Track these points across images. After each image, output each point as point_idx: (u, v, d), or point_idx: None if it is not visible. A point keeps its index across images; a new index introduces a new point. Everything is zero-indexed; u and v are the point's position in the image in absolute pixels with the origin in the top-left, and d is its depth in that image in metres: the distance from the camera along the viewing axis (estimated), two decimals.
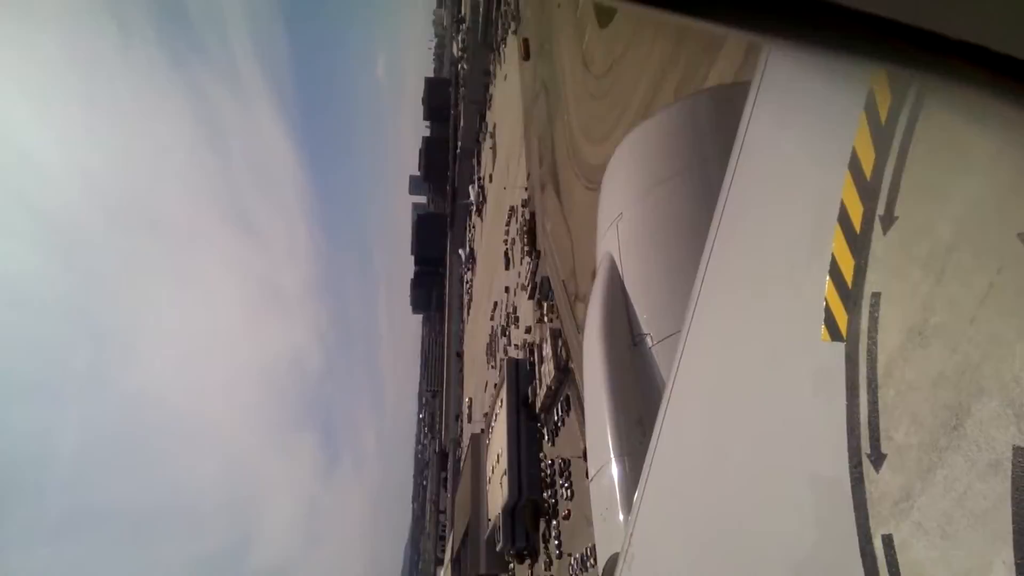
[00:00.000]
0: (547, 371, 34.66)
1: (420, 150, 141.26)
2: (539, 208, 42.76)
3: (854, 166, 1.98)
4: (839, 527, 1.90)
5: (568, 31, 40.93)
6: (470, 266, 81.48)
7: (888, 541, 1.73)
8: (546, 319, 36.93)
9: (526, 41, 50.16)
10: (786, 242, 2.47)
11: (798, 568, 2.20)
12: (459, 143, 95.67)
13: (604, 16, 33.83)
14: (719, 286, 2.97)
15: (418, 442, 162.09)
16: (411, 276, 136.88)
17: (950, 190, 1.69)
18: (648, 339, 5.16)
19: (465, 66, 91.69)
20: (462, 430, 74.97)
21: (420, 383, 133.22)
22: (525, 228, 41.84)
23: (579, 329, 25.70)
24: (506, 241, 52.00)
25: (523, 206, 43.92)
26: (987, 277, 1.50)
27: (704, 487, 3.04)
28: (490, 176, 67.75)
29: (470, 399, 69.55)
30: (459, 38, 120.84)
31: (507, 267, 50.51)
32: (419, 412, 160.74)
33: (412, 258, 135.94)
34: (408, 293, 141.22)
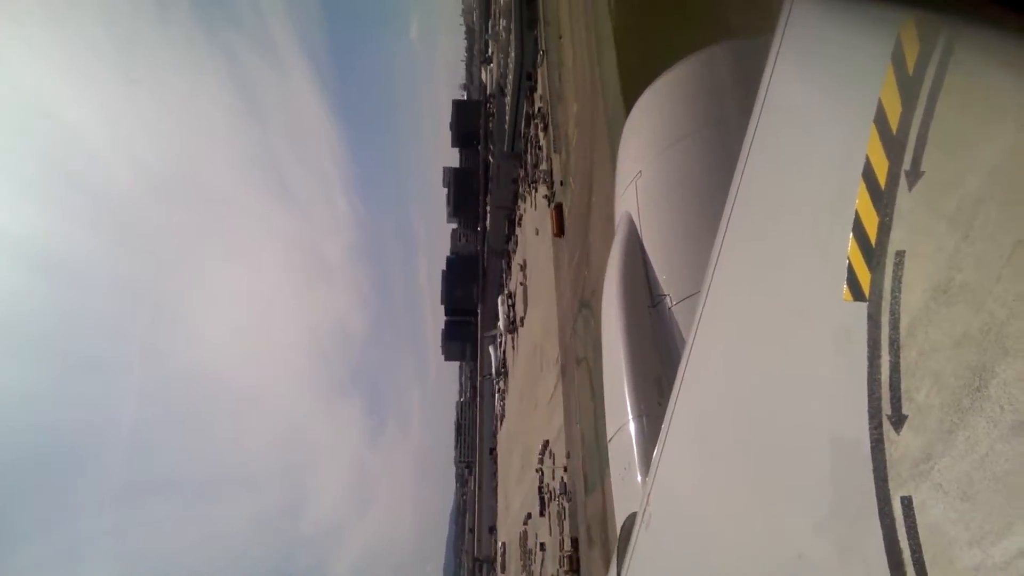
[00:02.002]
0: None
1: (448, 182, 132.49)
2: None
3: (880, 119, 1.92)
4: (858, 488, 1.88)
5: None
6: (501, 380, 73.15)
7: (907, 503, 1.71)
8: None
9: (559, 210, 40.10)
10: (808, 199, 2.41)
11: (816, 529, 2.16)
12: (487, 244, 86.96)
13: None
14: (739, 245, 2.89)
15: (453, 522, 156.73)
16: (441, 327, 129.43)
17: (979, 143, 1.63)
18: (667, 300, 5.09)
19: (492, 127, 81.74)
20: (496, 550, 68.36)
21: (455, 449, 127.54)
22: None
23: None
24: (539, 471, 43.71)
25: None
26: (1015, 234, 1.47)
27: (722, 447, 3.01)
28: (521, 319, 58.86)
29: (503, 544, 62.58)
30: (487, 67, 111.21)
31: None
32: (455, 484, 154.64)
33: (442, 303, 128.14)
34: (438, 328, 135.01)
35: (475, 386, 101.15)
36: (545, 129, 45.59)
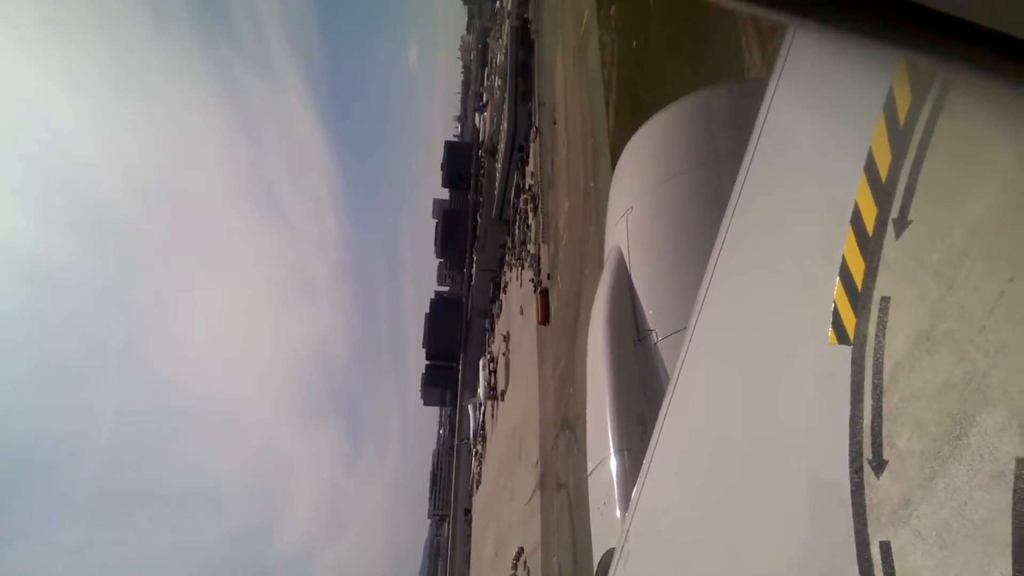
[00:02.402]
0: None
1: (436, 223, 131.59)
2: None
3: (870, 167, 1.95)
4: (837, 532, 1.88)
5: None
6: (479, 446, 71.15)
7: (886, 548, 1.72)
8: None
9: (544, 297, 38.80)
10: (797, 242, 2.44)
11: (793, 569, 2.17)
12: (470, 303, 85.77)
13: None
14: (727, 284, 2.92)
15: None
16: (422, 371, 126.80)
17: (966, 195, 1.66)
18: (653, 335, 5.08)
19: (482, 197, 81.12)
20: None
21: (429, 500, 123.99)
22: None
23: None
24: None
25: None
26: (998, 286, 1.49)
27: (703, 485, 3.01)
28: (502, 392, 57.20)
29: None
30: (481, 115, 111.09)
31: None
32: (428, 534, 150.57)
33: (424, 344, 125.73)
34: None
35: (452, 447, 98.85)
36: (535, 211, 44.60)
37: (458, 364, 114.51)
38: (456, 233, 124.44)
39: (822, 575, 2.02)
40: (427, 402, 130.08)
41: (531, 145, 50.08)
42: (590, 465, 5.33)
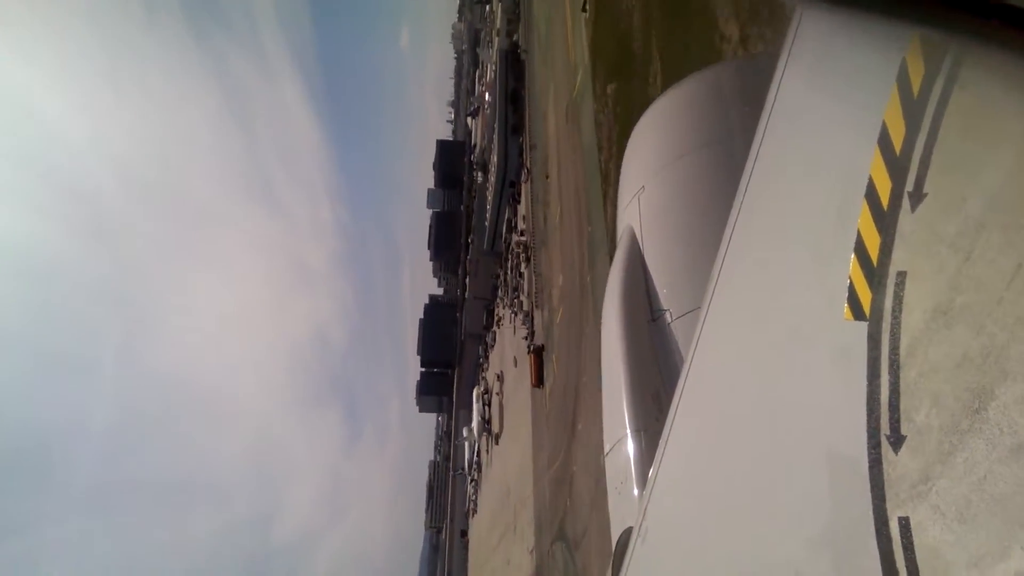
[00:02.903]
0: None
1: (429, 226, 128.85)
2: None
3: (883, 140, 1.92)
4: (855, 508, 1.87)
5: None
6: (475, 474, 69.63)
7: (904, 524, 1.71)
8: None
9: (538, 356, 36.65)
10: (811, 218, 2.39)
11: (813, 547, 2.15)
12: (464, 327, 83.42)
13: None
14: (741, 262, 2.89)
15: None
16: (416, 378, 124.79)
17: (982, 167, 1.64)
18: (667, 315, 5.03)
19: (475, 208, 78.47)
20: None
21: (425, 512, 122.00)
22: None
23: None
24: None
25: None
26: (1016, 257, 1.47)
27: (720, 463, 2.99)
28: (497, 436, 55.39)
29: None
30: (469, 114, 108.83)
31: None
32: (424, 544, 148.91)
33: (418, 346, 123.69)
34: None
35: (449, 469, 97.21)
36: (527, 261, 42.32)
37: (453, 372, 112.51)
38: (449, 235, 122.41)
39: (841, 552, 2.00)
40: (423, 409, 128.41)
41: (523, 185, 47.52)
42: (607, 446, 5.27)
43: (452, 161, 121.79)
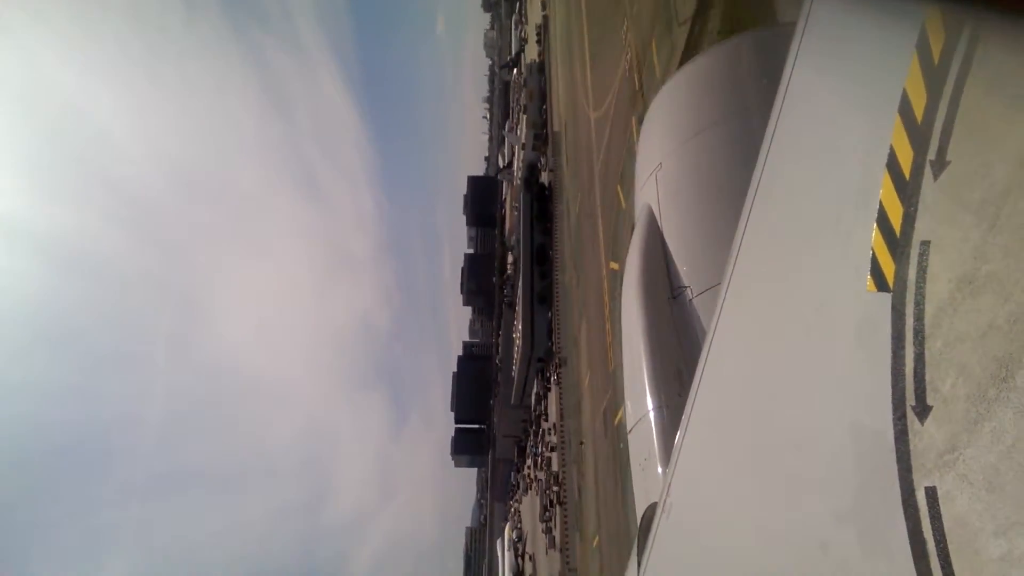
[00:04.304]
0: None
1: (461, 269, 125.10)
2: None
3: (904, 109, 1.90)
4: (882, 479, 1.87)
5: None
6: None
7: (932, 494, 1.71)
8: None
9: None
10: (831, 190, 2.38)
11: (839, 519, 2.16)
12: (494, 453, 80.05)
13: None
14: (761, 236, 2.88)
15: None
16: (451, 435, 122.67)
17: (1005, 133, 1.62)
18: (688, 292, 5.02)
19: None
20: None
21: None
22: None
23: None
24: None
25: None
26: None
27: (744, 438, 3.00)
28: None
29: None
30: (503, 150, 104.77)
31: None
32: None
33: (451, 406, 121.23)
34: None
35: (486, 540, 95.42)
36: (555, 449, 38.33)
37: (489, 429, 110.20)
38: (481, 279, 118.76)
39: (868, 523, 2.00)
40: (459, 465, 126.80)
41: (553, 370, 43.36)
42: (629, 423, 5.27)
43: (484, 198, 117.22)
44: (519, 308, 49.21)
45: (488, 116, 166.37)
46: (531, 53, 68.65)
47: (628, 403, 5.44)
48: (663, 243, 5.40)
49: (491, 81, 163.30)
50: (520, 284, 47.22)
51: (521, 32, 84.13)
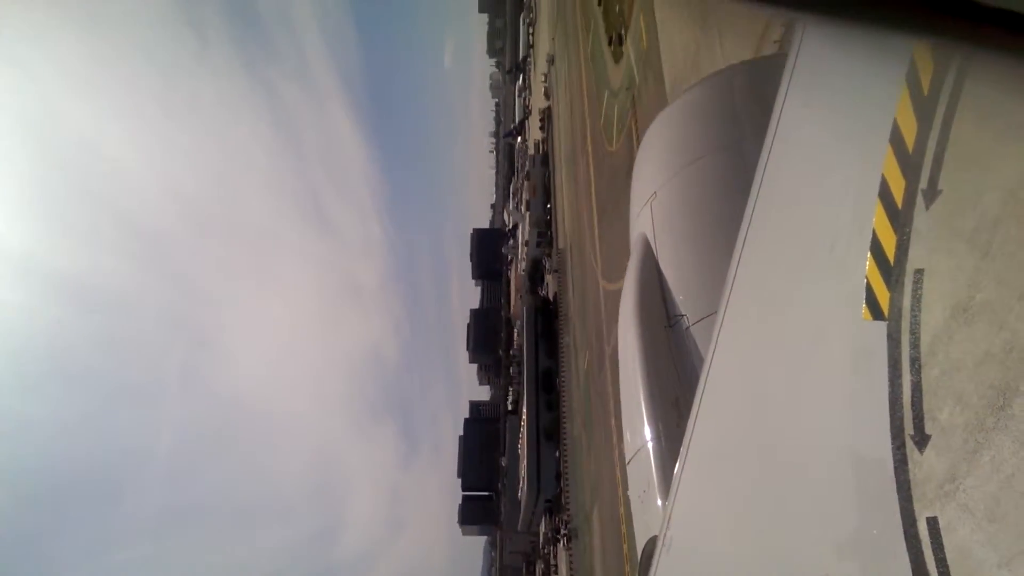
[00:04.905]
0: None
1: (468, 324, 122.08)
2: None
3: (896, 139, 1.92)
4: (882, 510, 1.86)
5: None
6: None
7: (933, 524, 1.70)
8: None
9: None
10: (825, 219, 2.40)
11: (840, 550, 2.14)
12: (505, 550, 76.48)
13: None
14: (756, 265, 2.89)
15: None
16: (458, 502, 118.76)
17: (997, 160, 1.63)
18: (684, 320, 5.00)
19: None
20: None
21: None
22: None
23: None
24: None
25: None
26: None
27: (743, 469, 2.97)
28: None
29: None
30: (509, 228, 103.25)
31: None
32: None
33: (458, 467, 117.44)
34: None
35: None
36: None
37: (497, 497, 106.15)
38: (488, 336, 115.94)
39: (870, 555, 1.98)
40: (467, 533, 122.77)
41: (563, 536, 39.89)
42: (628, 454, 5.18)
43: (489, 251, 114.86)
44: (523, 446, 45.71)
45: (494, 151, 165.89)
46: (534, 129, 66.22)
47: (626, 433, 5.34)
48: (659, 272, 5.37)
49: (496, 121, 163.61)
50: (525, 415, 43.98)
51: (525, 99, 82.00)
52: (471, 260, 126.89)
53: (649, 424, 4.81)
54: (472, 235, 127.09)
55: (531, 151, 64.79)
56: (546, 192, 52.68)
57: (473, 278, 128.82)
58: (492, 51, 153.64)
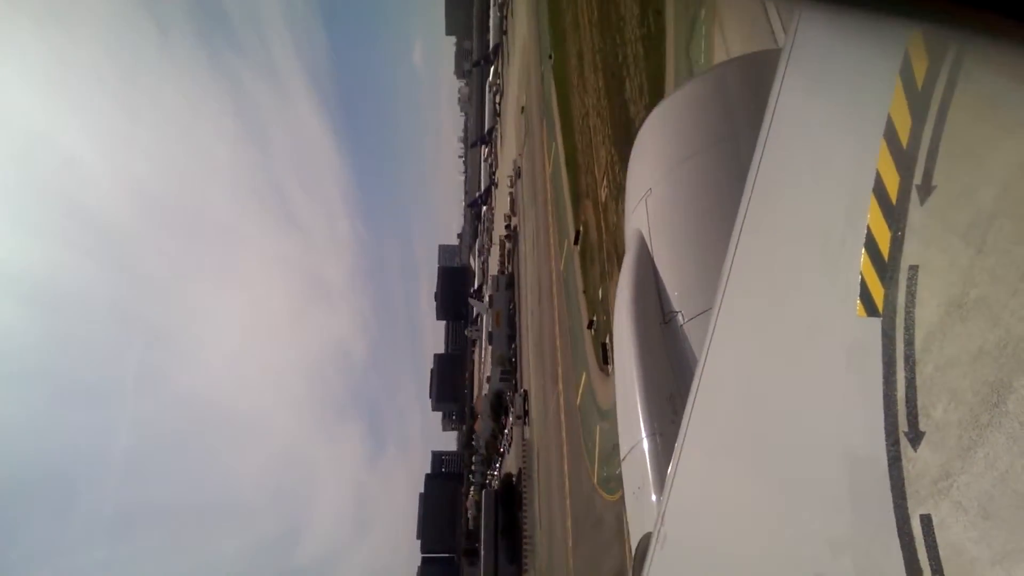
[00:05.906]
0: None
1: (431, 371, 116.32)
2: None
3: (890, 134, 1.92)
4: (876, 507, 1.86)
5: None
6: None
7: (927, 521, 1.70)
8: None
9: None
10: (819, 215, 2.39)
11: (834, 547, 2.14)
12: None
13: None
14: (751, 261, 2.88)
15: None
16: (417, 564, 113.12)
17: (991, 157, 1.62)
18: (679, 316, 5.00)
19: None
20: None
21: None
22: None
23: None
24: None
25: None
26: None
27: (737, 465, 2.98)
28: None
29: None
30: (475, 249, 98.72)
31: None
32: None
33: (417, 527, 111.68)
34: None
35: None
36: None
37: (458, 559, 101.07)
38: (451, 382, 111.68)
39: (863, 553, 1.98)
40: None
41: None
42: (623, 451, 5.16)
43: (455, 290, 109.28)
44: None
45: (463, 156, 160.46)
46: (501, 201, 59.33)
47: (621, 430, 5.27)
48: (654, 268, 5.32)
49: (465, 128, 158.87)
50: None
51: (492, 167, 75.42)
52: (436, 300, 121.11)
53: (644, 421, 4.77)
54: (439, 272, 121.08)
55: (499, 232, 58.42)
56: (510, 324, 46.95)
57: (438, 319, 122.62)
58: (460, 73, 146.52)
